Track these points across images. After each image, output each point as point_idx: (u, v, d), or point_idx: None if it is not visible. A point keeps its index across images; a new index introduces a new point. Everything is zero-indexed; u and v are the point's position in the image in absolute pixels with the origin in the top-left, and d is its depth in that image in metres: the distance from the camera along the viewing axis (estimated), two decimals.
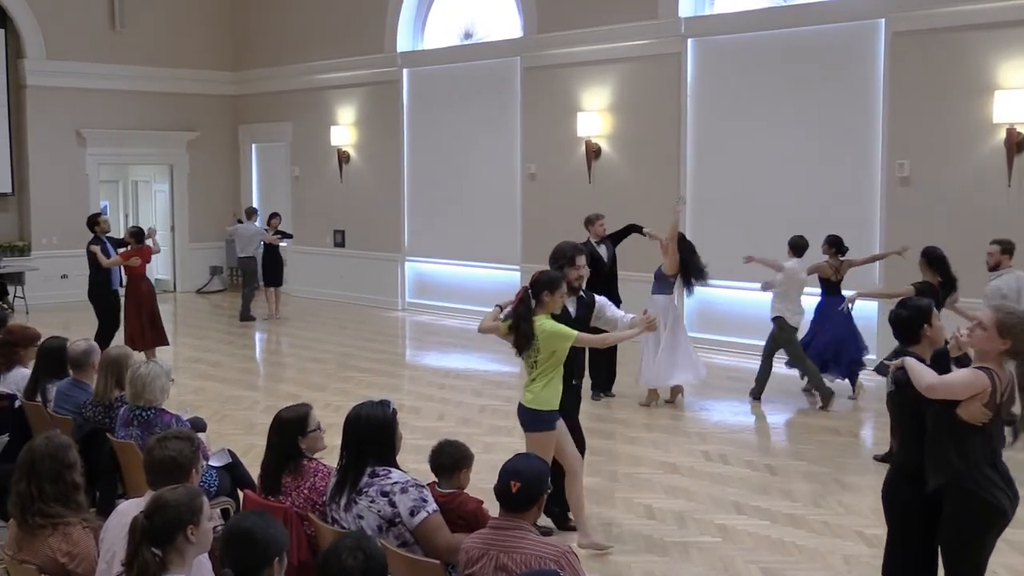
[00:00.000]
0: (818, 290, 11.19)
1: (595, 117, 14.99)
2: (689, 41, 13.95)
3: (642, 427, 9.95)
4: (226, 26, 21.28)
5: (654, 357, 10.52)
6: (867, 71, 12.41)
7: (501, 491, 4.13)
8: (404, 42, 17.94)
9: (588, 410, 10.64)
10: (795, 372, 11.14)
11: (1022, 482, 5.10)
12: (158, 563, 3.59)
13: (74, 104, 19.21)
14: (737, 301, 13.55)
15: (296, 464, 5.05)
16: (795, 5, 13.09)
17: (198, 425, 6.90)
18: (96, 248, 13.10)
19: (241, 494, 5.99)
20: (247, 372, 12.83)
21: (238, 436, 9.31)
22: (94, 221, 13.38)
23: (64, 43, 19.07)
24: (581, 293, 6.96)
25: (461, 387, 11.85)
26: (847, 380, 10.94)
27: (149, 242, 13.21)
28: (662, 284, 10.62)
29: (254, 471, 5.70)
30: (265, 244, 16.98)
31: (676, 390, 10.89)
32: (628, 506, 7.62)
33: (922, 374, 4.78)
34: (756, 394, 10.93)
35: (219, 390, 11.71)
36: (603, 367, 11.18)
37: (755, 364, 12.83)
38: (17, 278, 18.23)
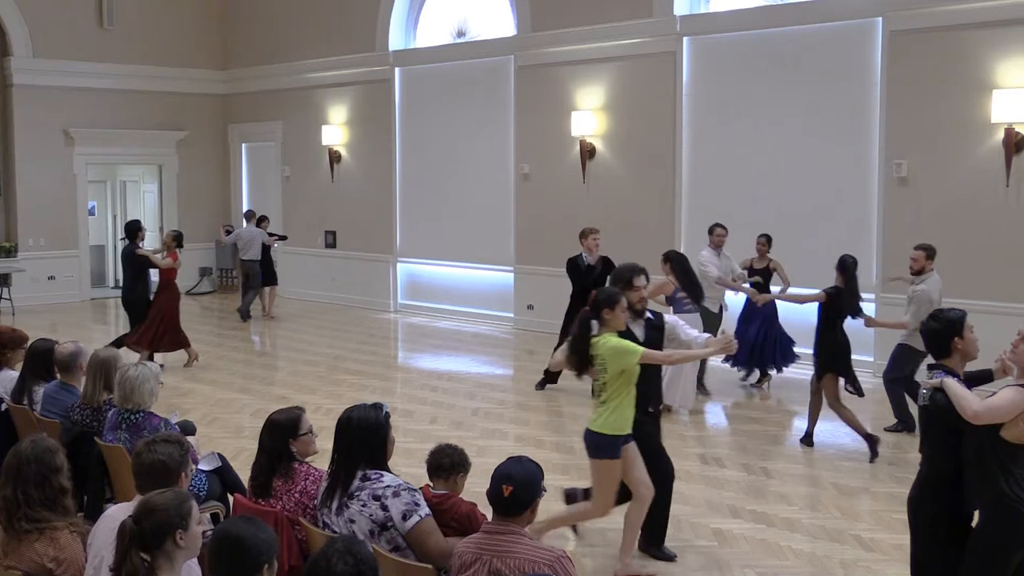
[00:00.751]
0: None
1: (589, 116, 15.00)
2: (684, 39, 13.97)
3: None
4: (216, 24, 21.26)
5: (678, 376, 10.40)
6: (864, 70, 12.43)
7: (493, 495, 4.14)
8: (396, 40, 17.93)
9: (584, 414, 10.67)
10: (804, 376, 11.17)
11: None
12: (147, 568, 3.58)
13: (61, 103, 19.18)
14: (733, 304, 13.53)
15: (287, 468, 5.05)
16: (791, 3, 13.11)
17: (187, 428, 6.89)
18: (149, 251, 13.32)
19: (231, 498, 5.98)
20: (237, 375, 12.81)
21: (228, 440, 9.30)
22: (137, 227, 13.34)
23: (51, 41, 19.03)
24: (649, 315, 6.67)
25: (454, 390, 11.85)
26: (758, 371, 11.80)
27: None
28: (678, 304, 10.33)
29: (244, 475, 5.70)
30: (262, 245, 17.12)
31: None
32: (622, 510, 7.60)
33: (967, 401, 4.71)
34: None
35: (209, 393, 11.69)
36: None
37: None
38: (3, 279, 18.21)
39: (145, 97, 20.21)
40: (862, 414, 9.62)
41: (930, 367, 5.16)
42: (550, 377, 11.65)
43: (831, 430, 9.84)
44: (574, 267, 11.35)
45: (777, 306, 11.64)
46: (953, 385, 4.82)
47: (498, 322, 16.36)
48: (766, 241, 11.93)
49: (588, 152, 15.05)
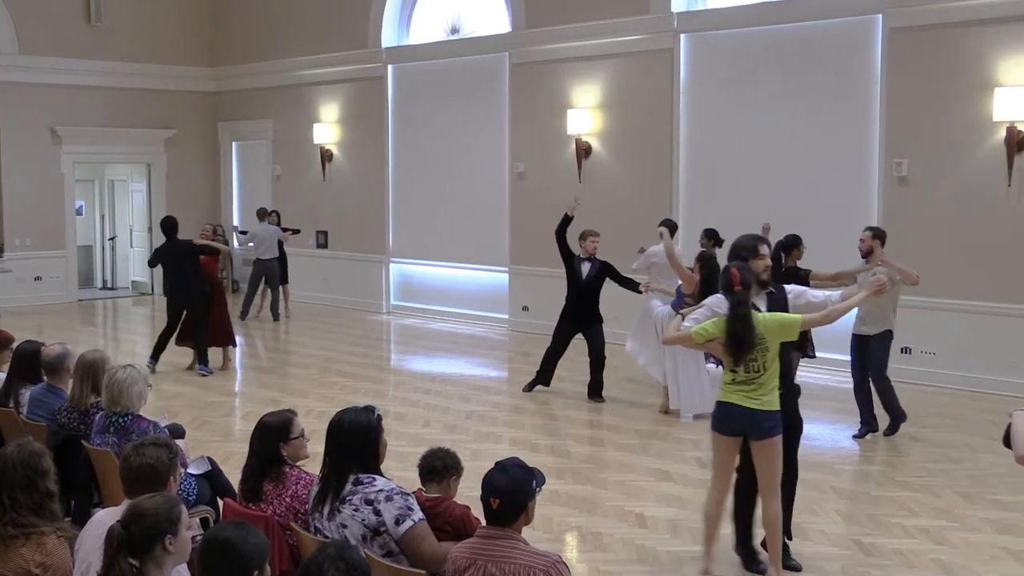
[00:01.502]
0: None
1: (585, 115, 15.01)
2: (682, 36, 13.99)
3: (633, 433, 9.96)
4: (205, 20, 21.25)
5: (676, 380, 10.48)
6: (864, 68, 12.45)
7: (484, 507, 4.14)
8: (389, 37, 17.93)
9: (579, 417, 10.68)
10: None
11: None
12: (135, 574, 3.58)
13: (48, 101, 19.15)
14: None
15: (278, 472, 5.05)
16: (790, 0, 13.12)
17: (176, 432, 6.87)
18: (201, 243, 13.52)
19: (221, 503, 5.97)
20: (227, 377, 12.79)
21: (217, 443, 9.29)
22: (176, 222, 13.31)
23: (38, 37, 19.00)
24: (771, 289, 6.32)
25: (447, 393, 11.84)
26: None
27: None
28: (679, 300, 10.44)
29: (234, 479, 5.69)
30: (279, 243, 17.22)
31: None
32: (619, 515, 7.62)
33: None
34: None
35: (198, 395, 11.68)
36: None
37: None
38: None
39: (133, 95, 20.19)
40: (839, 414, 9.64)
41: None
42: (542, 379, 11.64)
43: (830, 433, 9.86)
44: (572, 268, 11.30)
45: None
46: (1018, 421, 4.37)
47: (492, 324, 16.36)
48: (709, 237, 11.77)
49: (584, 151, 15.06)
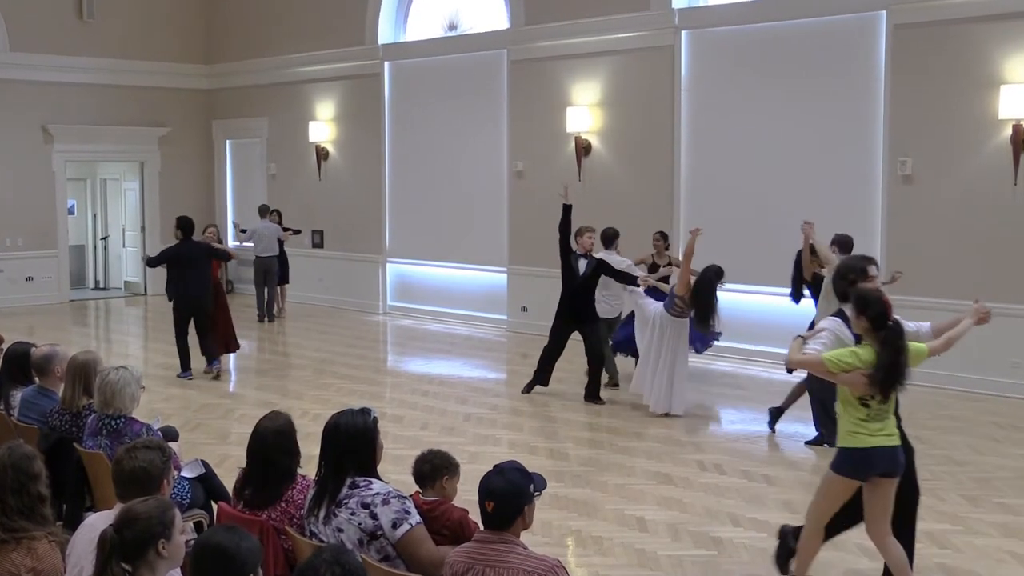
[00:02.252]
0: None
1: (585, 112, 15.01)
2: (683, 33, 13.99)
3: (634, 436, 9.97)
4: (199, 17, 21.24)
5: (653, 374, 10.67)
6: (867, 65, 12.46)
7: (480, 510, 4.15)
8: (386, 34, 17.93)
9: (578, 419, 10.68)
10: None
11: None
12: None
13: (40, 98, 19.13)
14: (734, 304, 13.55)
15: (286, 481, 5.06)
16: None
17: (170, 434, 6.87)
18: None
19: (215, 506, 5.97)
20: (221, 379, 12.77)
21: (212, 446, 9.29)
22: (193, 224, 13.06)
23: (29, 34, 18.98)
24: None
25: (445, 394, 11.84)
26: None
27: None
28: (670, 299, 10.69)
29: (228, 482, 5.68)
30: (278, 242, 17.23)
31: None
32: (620, 518, 7.62)
33: None
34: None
35: (192, 397, 11.68)
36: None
37: (753, 370, 12.90)
38: None
39: (126, 92, 20.18)
40: None
41: None
42: (540, 380, 11.64)
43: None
44: (568, 265, 11.34)
45: None
46: None
47: (491, 324, 16.36)
48: (662, 238, 12.43)
49: (584, 149, 15.06)
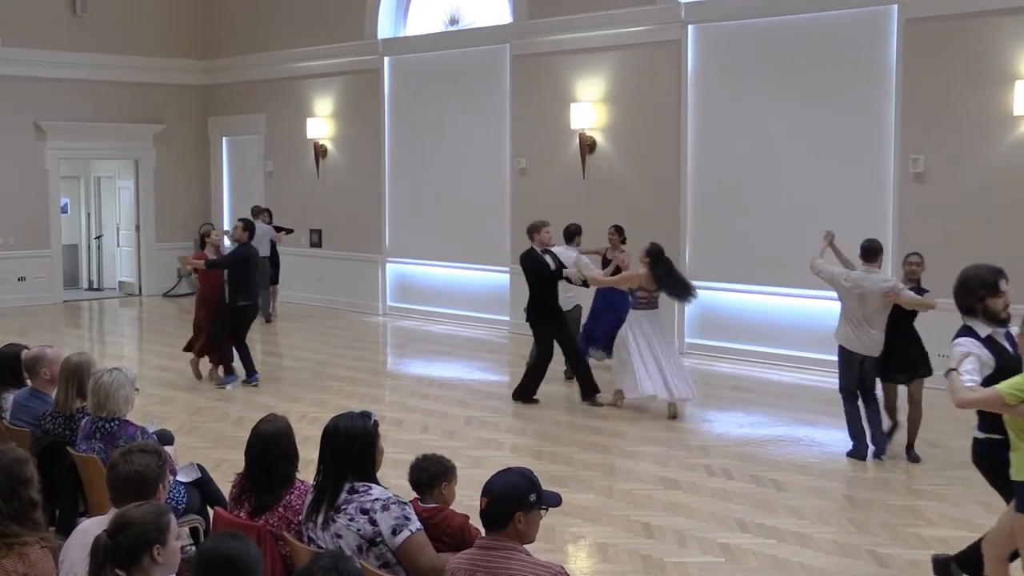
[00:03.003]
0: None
1: (589, 108, 15.01)
2: (689, 27, 13.98)
3: (640, 440, 9.96)
4: (195, 11, 21.25)
5: (660, 369, 10.74)
6: (878, 60, 12.45)
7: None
8: (385, 28, 17.93)
9: (583, 423, 10.68)
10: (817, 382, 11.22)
11: None
12: None
13: (32, 95, 19.14)
14: (741, 305, 13.57)
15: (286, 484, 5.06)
16: None
17: (165, 438, 6.89)
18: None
19: (211, 511, 5.98)
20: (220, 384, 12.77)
21: (207, 449, 9.30)
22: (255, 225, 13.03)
23: (21, 29, 18.98)
24: (1007, 328, 5.91)
25: (446, 397, 11.84)
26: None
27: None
28: (633, 299, 11.03)
29: (225, 487, 5.69)
30: (270, 242, 17.22)
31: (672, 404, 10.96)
32: (625, 524, 7.62)
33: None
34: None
35: (187, 400, 11.68)
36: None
37: (761, 372, 12.90)
38: None
39: (121, 88, 20.19)
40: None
41: None
42: (530, 386, 11.62)
43: (844, 440, 9.84)
44: (536, 262, 11.37)
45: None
46: None
47: (493, 326, 16.35)
48: (617, 232, 12.55)
49: (588, 146, 15.06)
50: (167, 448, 5.78)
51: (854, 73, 12.63)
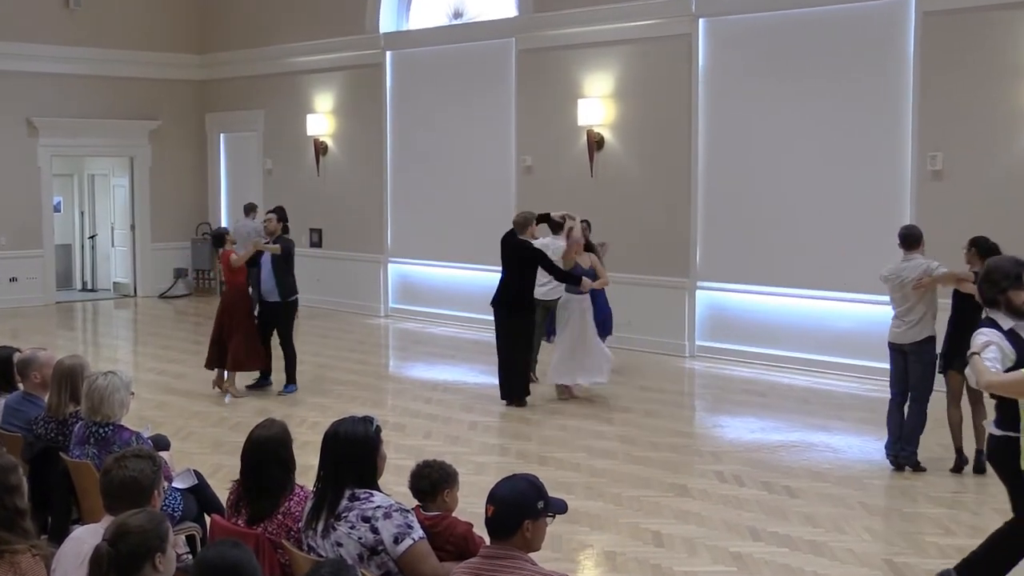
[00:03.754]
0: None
1: (597, 104, 15.00)
2: (700, 21, 13.97)
3: (649, 445, 9.96)
4: (192, 4, 21.27)
5: (571, 355, 11.47)
6: (895, 55, 12.43)
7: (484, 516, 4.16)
8: (387, 22, 17.95)
9: (590, 427, 10.68)
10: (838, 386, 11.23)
11: None
12: None
13: (24, 90, 19.16)
14: (752, 307, 13.56)
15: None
16: None
17: (160, 443, 6.89)
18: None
19: (208, 519, 5.98)
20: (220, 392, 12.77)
21: (204, 455, 9.30)
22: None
23: (12, 22, 19.01)
24: None
25: (449, 402, 11.84)
26: None
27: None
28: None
29: (222, 493, 5.70)
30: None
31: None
32: (634, 532, 7.62)
33: None
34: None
35: (184, 405, 11.69)
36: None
37: (774, 376, 12.87)
38: None
39: (115, 84, 20.21)
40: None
41: None
42: (524, 385, 11.65)
43: (859, 445, 9.84)
44: (524, 246, 11.57)
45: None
46: None
47: None
48: (587, 227, 12.80)
49: (596, 143, 15.05)
50: (162, 454, 5.78)
51: (870, 68, 12.61)
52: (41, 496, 5.12)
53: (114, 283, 21.61)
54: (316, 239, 19.25)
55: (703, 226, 14.03)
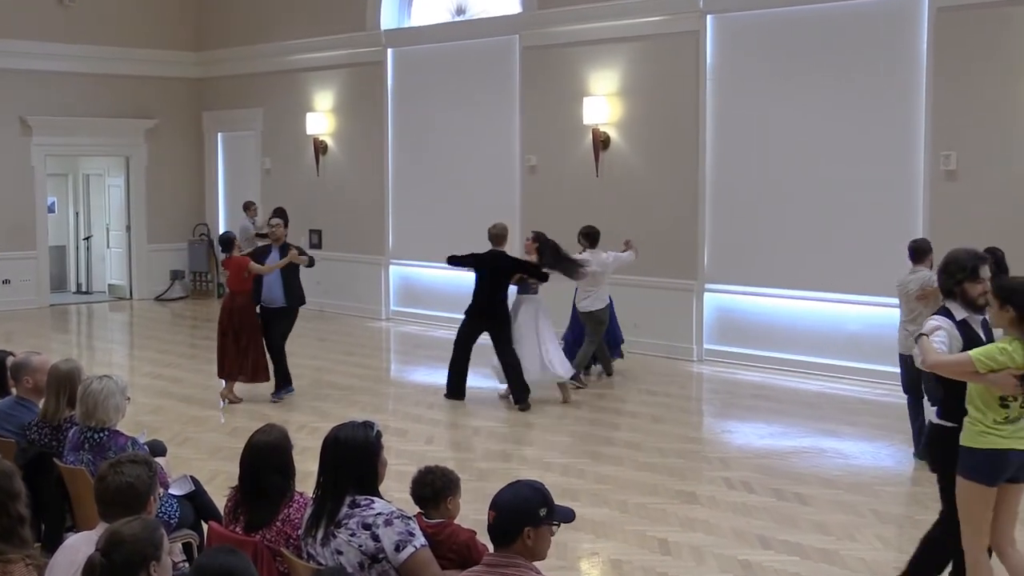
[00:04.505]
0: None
1: (603, 102, 15.00)
2: (708, 18, 13.97)
3: (655, 451, 9.96)
4: (189, 0, 21.29)
5: (538, 354, 11.62)
6: (908, 52, 12.42)
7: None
8: (389, 18, 17.96)
9: (597, 433, 10.68)
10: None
11: None
12: None
13: (17, 88, 19.19)
14: (762, 309, 13.56)
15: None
16: None
17: (157, 449, 6.90)
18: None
19: (205, 526, 5.99)
20: (211, 390, 12.78)
21: (201, 461, 9.30)
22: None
23: (5, 19, 19.02)
24: (985, 316, 6.14)
25: (452, 407, 11.85)
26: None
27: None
28: (525, 286, 11.94)
29: (219, 500, 5.70)
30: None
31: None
32: (640, 540, 7.62)
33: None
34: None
35: (180, 410, 11.70)
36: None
37: (784, 380, 12.87)
38: None
39: (110, 82, 20.23)
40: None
41: None
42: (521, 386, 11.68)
43: (871, 451, 9.84)
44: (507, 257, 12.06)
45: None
46: None
47: None
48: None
49: (602, 142, 15.06)
50: (159, 460, 5.79)
51: (882, 65, 12.61)
52: (34, 503, 5.11)
53: (109, 285, 21.62)
54: (316, 240, 19.25)
55: (711, 227, 14.03)
